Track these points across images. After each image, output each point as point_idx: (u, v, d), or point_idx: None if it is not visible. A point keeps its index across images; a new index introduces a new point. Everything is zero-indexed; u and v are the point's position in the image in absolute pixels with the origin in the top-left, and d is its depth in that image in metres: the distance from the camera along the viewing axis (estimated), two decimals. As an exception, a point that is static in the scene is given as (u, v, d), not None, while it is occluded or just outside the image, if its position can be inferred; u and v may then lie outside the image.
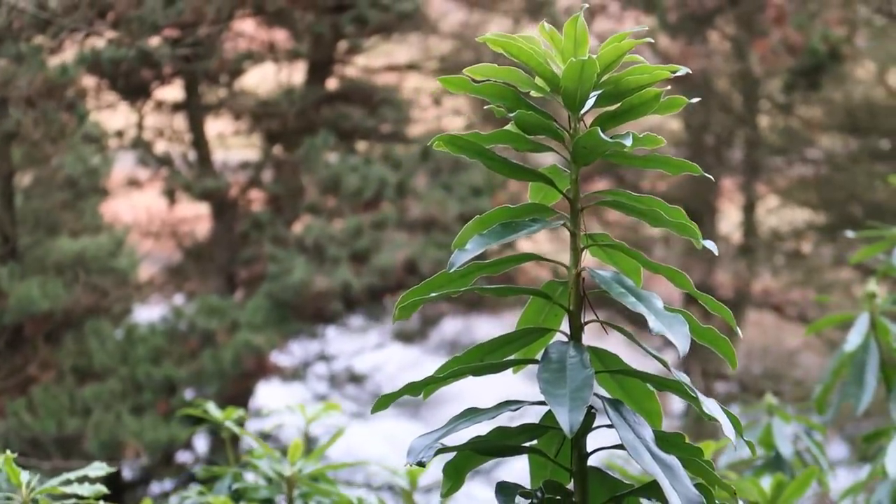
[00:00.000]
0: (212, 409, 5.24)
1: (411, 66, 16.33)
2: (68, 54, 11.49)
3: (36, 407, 12.26)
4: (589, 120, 2.85)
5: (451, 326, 15.96)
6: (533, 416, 2.98)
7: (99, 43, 12.09)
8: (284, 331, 13.57)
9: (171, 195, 14.29)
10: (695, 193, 14.49)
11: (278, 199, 14.38)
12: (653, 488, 2.80)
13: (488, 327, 16.12)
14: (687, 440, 2.79)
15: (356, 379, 15.00)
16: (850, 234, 5.14)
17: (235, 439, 14.09)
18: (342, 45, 15.31)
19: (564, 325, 2.93)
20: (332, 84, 15.29)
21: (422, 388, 2.80)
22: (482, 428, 2.86)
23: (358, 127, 14.48)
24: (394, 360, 15.28)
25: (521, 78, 2.82)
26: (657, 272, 2.84)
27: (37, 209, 12.47)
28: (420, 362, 15.38)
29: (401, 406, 15.59)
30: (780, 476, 4.22)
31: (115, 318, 13.12)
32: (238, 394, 13.62)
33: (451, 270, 2.67)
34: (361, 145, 14.85)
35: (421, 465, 2.72)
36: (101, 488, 4.01)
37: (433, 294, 2.77)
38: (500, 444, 2.80)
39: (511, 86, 2.81)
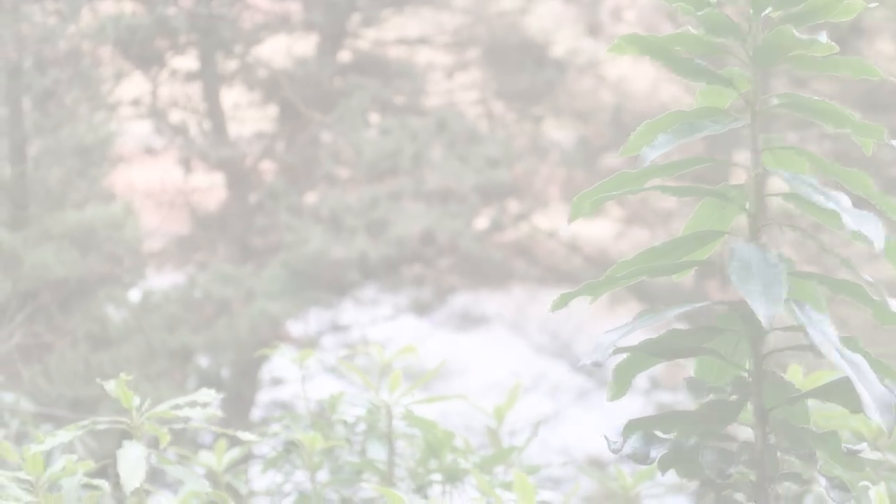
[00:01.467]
0: (283, 349, 5.27)
1: (422, 41, 16.29)
2: (85, 21, 11.42)
3: (51, 373, 12.22)
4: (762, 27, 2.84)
5: (461, 300, 15.94)
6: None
7: (113, 10, 12.03)
8: (300, 300, 13.53)
9: (186, 164, 14.25)
10: (707, 169, 14.41)
11: (293, 169, 14.34)
12: (829, 391, 2.80)
13: (498, 301, 16.12)
14: (861, 343, 2.79)
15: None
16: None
17: (249, 404, 14.11)
18: (355, 17, 15.27)
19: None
20: (344, 56, 15.25)
21: (599, 288, 2.81)
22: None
23: (374, 97, 14.43)
24: (405, 332, 15.23)
25: (699, -20, 2.82)
26: (835, 175, 2.85)
27: (47, 177, 12.41)
28: (431, 334, 15.35)
29: (409, 378, 15.54)
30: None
31: (128, 286, 13.08)
32: (251, 362, 13.59)
33: (646, 165, 2.67)
34: (375, 117, 14.80)
35: (597, 364, 2.71)
36: (215, 412, 4.01)
37: (613, 193, 2.77)
38: (675, 345, 2.80)
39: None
